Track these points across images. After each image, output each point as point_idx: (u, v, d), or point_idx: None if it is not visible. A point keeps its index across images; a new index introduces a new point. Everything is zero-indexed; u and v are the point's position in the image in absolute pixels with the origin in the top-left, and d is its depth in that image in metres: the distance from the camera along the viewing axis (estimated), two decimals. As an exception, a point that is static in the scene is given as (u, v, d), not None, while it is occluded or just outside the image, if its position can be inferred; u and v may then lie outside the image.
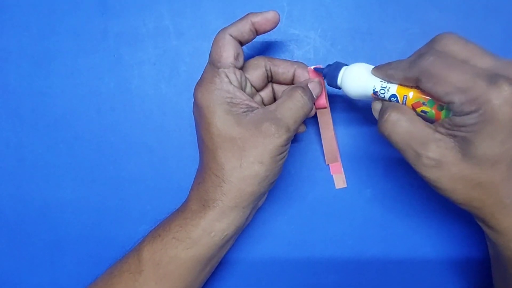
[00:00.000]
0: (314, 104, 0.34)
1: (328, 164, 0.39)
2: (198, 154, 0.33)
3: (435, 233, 0.39)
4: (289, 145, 0.31)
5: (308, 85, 0.33)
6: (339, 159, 0.38)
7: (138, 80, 0.39)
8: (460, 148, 0.26)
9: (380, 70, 0.29)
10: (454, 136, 0.26)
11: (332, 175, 0.39)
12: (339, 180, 0.39)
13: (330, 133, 0.37)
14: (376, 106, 0.30)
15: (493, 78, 0.23)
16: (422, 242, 0.39)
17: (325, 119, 0.36)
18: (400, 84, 0.28)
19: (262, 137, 0.29)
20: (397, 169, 0.39)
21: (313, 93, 0.33)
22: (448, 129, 0.26)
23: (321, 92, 0.34)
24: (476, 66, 0.25)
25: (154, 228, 0.33)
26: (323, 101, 0.35)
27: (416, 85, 0.27)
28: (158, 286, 0.30)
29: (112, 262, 0.34)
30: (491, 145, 0.24)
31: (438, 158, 0.26)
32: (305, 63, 0.34)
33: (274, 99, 0.36)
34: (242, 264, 0.39)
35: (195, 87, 0.31)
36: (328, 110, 0.36)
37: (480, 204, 0.27)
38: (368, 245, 0.39)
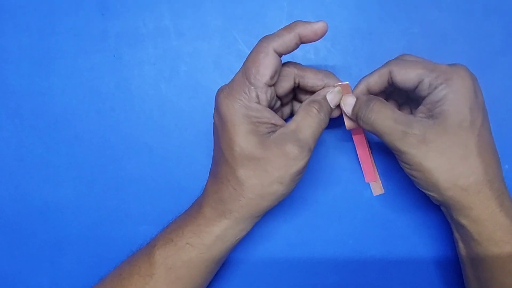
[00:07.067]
0: (348, 122, 0.34)
1: (368, 182, 0.39)
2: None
3: (435, 233, 0.39)
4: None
5: (327, 96, 0.32)
6: (377, 174, 0.39)
7: (138, 80, 0.39)
8: (440, 124, 0.29)
9: (361, 83, 0.33)
10: (432, 116, 0.30)
11: (365, 183, 0.39)
12: (376, 187, 0.39)
13: (366, 151, 0.38)
14: (350, 101, 0.33)
15: (450, 64, 0.30)
16: (422, 242, 0.39)
17: (359, 137, 0.37)
18: None
19: (285, 158, 0.29)
20: (397, 169, 0.39)
21: (330, 104, 0.32)
22: (424, 112, 0.30)
23: (340, 101, 0.33)
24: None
25: (165, 231, 0.33)
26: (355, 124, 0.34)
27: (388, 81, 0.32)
28: None
29: (112, 262, 0.34)
30: (462, 111, 0.29)
31: (422, 133, 0.29)
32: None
33: (293, 98, 0.36)
34: (242, 264, 0.39)
35: (220, 93, 0.30)
36: (361, 129, 0.36)
37: (466, 182, 0.29)
38: (368, 245, 0.39)
